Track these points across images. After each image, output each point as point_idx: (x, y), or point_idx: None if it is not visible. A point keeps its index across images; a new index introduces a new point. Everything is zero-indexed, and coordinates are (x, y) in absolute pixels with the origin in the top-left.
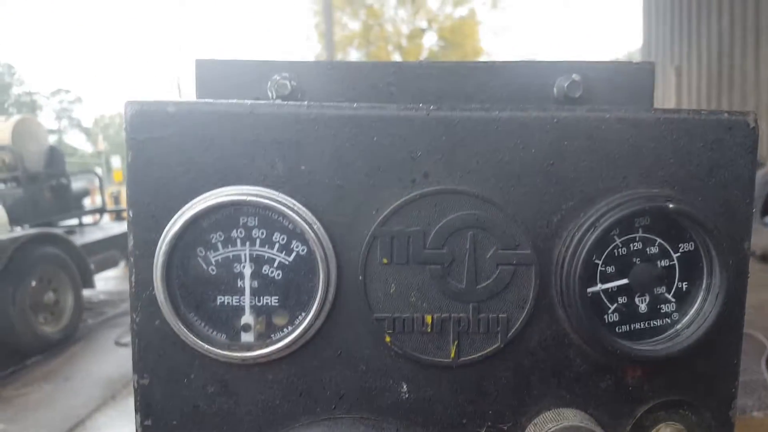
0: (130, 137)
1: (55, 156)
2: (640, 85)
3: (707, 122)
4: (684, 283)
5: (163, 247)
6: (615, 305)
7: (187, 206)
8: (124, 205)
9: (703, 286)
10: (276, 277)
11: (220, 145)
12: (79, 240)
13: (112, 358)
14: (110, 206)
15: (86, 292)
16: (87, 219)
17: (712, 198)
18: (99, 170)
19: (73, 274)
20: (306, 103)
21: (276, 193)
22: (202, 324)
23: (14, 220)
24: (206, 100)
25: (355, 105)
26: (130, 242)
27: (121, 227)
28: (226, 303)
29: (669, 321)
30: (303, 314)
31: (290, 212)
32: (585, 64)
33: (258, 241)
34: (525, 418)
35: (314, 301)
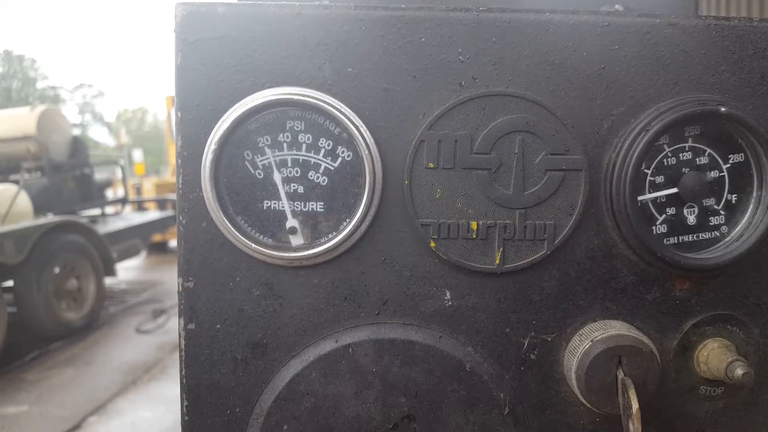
0: (180, 38)
1: (78, 147)
2: (685, 14)
3: (759, 29)
4: (733, 195)
5: (211, 147)
6: (663, 216)
7: (235, 106)
8: (145, 195)
9: (753, 197)
10: (322, 182)
11: (268, 46)
12: (101, 229)
13: (132, 345)
14: (132, 197)
15: (108, 281)
16: (109, 209)
17: (764, 106)
18: (122, 162)
19: (96, 262)
20: (353, 5)
21: (323, 94)
22: (249, 227)
23: (38, 208)
24: (255, 2)
25: (403, 6)
26: (178, 143)
27: (143, 218)
28: (272, 207)
29: (718, 234)
30: (348, 219)
31: (337, 113)
32: None
33: (304, 146)
34: (570, 329)
35: (360, 205)
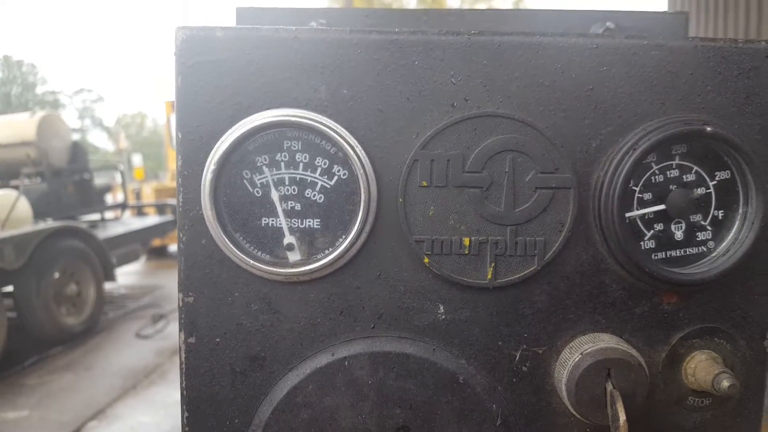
0: (180, 62)
1: (78, 152)
2: (674, 35)
3: (744, 50)
4: (720, 212)
5: (211, 167)
6: (651, 232)
7: (233, 127)
8: (145, 200)
9: (740, 213)
10: (318, 200)
11: (266, 69)
12: (101, 234)
13: (132, 350)
14: (132, 202)
15: (108, 286)
16: (109, 214)
17: (749, 125)
18: (121, 167)
19: (96, 267)
20: (348, 28)
21: (319, 116)
22: (247, 243)
23: (38, 213)
24: (253, 26)
25: (396, 30)
26: (179, 162)
27: (143, 222)
28: (270, 224)
29: (705, 249)
30: (344, 236)
31: (333, 134)
32: (619, 13)
33: (301, 165)
34: (560, 342)
35: (355, 222)
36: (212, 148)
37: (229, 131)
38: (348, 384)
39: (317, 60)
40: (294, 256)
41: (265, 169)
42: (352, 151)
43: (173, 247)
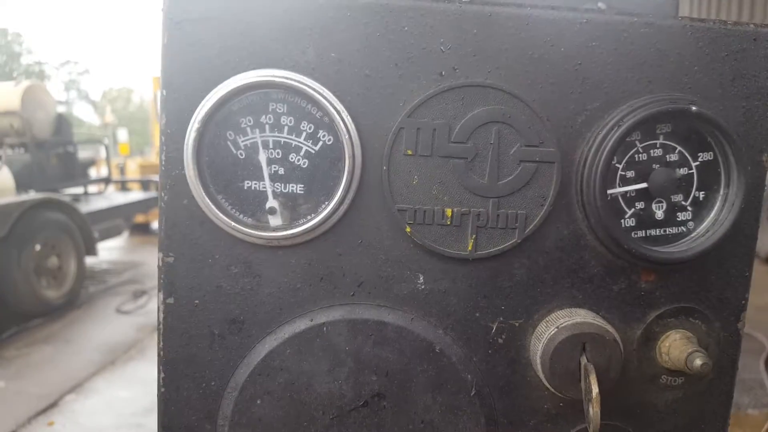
0: (168, 18)
1: (62, 124)
2: (665, 15)
3: (733, 32)
4: (701, 192)
5: (195, 126)
6: (632, 210)
7: (218, 86)
8: (129, 176)
9: (720, 194)
10: (302, 165)
11: (254, 29)
12: (84, 208)
13: (112, 325)
14: (116, 177)
15: (89, 260)
16: (92, 188)
17: (734, 107)
18: (106, 141)
19: (77, 240)
20: None
21: (306, 78)
22: (229, 205)
23: (21, 185)
24: None
25: None
26: (162, 121)
27: (126, 198)
28: (253, 187)
29: (685, 229)
30: (327, 202)
31: (319, 97)
32: None
33: (286, 129)
34: (537, 316)
35: (338, 188)
36: (197, 107)
37: (214, 90)
38: (325, 350)
39: (306, 21)
40: (275, 221)
41: (249, 130)
42: (338, 116)
43: (157, 224)
